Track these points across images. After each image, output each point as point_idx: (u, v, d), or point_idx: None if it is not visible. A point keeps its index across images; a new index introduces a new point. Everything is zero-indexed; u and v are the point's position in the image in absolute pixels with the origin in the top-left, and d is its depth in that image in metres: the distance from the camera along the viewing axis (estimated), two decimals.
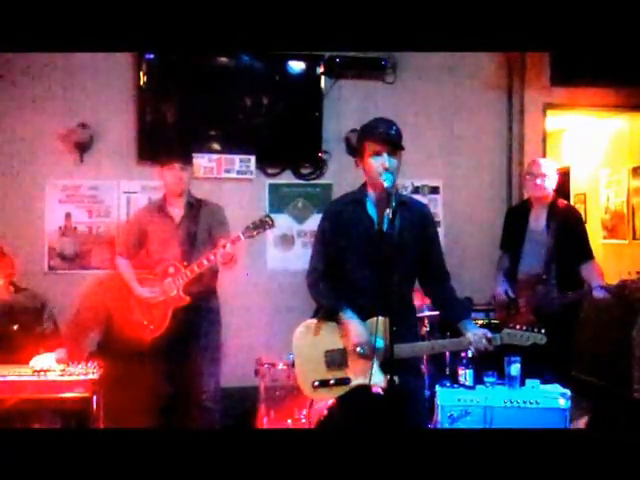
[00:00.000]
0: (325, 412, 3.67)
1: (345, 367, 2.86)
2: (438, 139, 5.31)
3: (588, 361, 5.36)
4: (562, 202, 4.43)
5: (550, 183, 4.31)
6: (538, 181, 4.28)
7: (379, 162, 2.80)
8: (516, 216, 4.51)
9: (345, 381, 2.85)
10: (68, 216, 4.90)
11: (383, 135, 2.82)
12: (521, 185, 5.35)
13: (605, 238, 6.39)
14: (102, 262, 4.89)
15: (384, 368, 2.70)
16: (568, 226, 4.28)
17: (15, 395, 3.36)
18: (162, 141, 4.76)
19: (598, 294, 4.05)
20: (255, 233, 3.76)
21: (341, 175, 5.07)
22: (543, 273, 4.23)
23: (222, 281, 4.17)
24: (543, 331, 2.89)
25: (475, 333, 2.84)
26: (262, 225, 3.76)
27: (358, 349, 2.78)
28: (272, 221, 3.79)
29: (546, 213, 4.32)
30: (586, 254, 4.28)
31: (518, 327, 2.91)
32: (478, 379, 4.03)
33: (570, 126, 6.95)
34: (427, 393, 4.01)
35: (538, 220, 4.35)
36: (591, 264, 4.26)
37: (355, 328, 2.81)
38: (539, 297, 4.22)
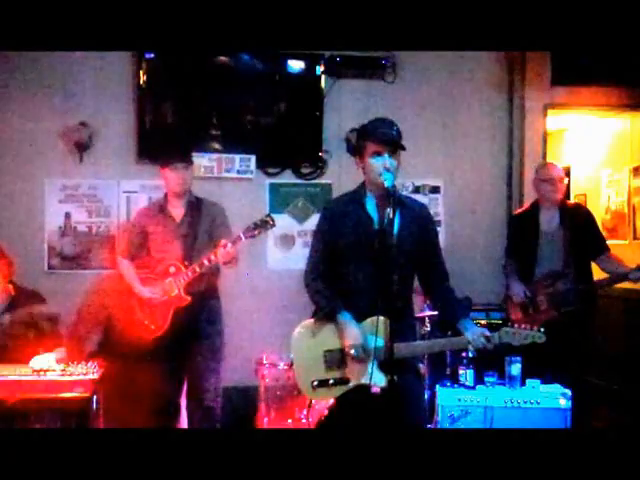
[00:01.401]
0: (325, 412, 3.67)
1: (344, 367, 2.86)
2: (438, 139, 5.31)
3: (600, 365, 5.36)
4: (570, 202, 4.60)
5: (564, 186, 4.47)
6: (559, 186, 4.39)
7: (380, 163, 2.80)
8: (524, 221, 4.57)
9: (344, 381, 2.85)
10: (68, 216, 4.89)
11: (384, 135, 2.83)
12: (521, 184, 5.36)
13: (606, 238, 6.38)
14: (102, 262, 4.89)
15: (383, 368, 2.70)
16: (582, 222, 4.42)
17: (15, 395, 3.36)
18: (162, 141, 4.76)
19: (637, 275, 4.13)
20: (256, 233, 3.75)
21: (341, 175, 5.07)
22: (563, 269, 4.31)
23: (222, 281, 4.17)
24: (542, 330, 2.89)
25: (474, 332, 2.84)
26: (263, 225, 3.76)
27: (352, 351, 2.79)
28: (273, 221, 3.78)
29: (558, 213, 4.42)
30: (603, 247, 4.42)
31: (517, 325, 2.91)
32: (478, 379, 4.03)
33: (571, 126, 6.94)
34: (427, 393, 4.02)
35: (550, 221, 4.44)
36: (610, 255, 4.40)
37: (350, 330, 2.82)
38: (562, 292, 4.27)
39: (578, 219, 4.42)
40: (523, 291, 4.40)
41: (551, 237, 4.41)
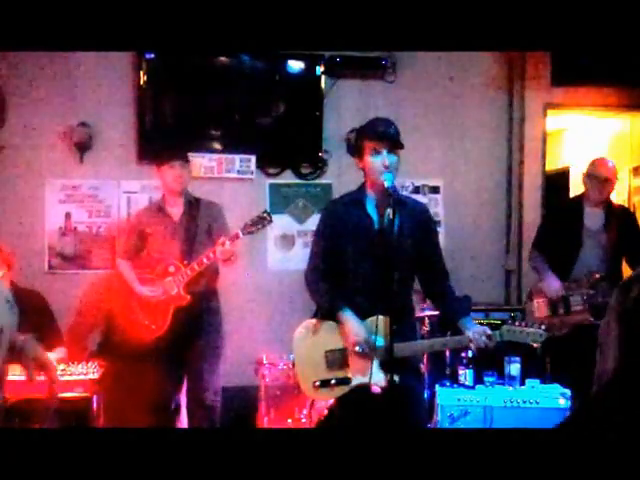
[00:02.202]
0: (325, 412, 3.67)
1: (345, 367, 2.86)
2: (438, 139, 5.31)
3: None
4: (615, 203, 4.41)
5: (613, 187, 4.32)
6: (605, 186, 4.24)
7: (379, 160, 2.81)
8: (566, 215, 4.38)
9: (346, 381, 2.85)
10: (68, 216, 4.90)
11: (382, 133, 2.84)
12: (521, 184, 5.37)
13: None
14: (102, 262, 4.89)
15: (384, 367, 2.70)
16: (628, 226, 4.27)
17: (15, 395, 3.36)
18: (162, 141, 4.76)
19: None
20: (254, 229, 3.76)
21: (341, 175, 5.07)
22: (606, 271, 4.15)
23: (222, 281, 4.18)
24: (543, 327, 2.88)
25: (475, 330, 2.84)
26: (260, 221, 3.77)
27: (357, 348, 2.79)
28: (270, 217, 3.79)
29: (603, 212, 4.27)
30: None
31: (517, 323, 2.91)
32: (478, 379, 4.03)
33: (570, 126, 6.94)
34: (427, 393, 4.02)
35: (595, 219, 4.28)
36: None
37: (353, 326, 2.82)
38: (604, 295, 4.03)
39: (624, 222, 4.26)
40: (560, 288, 4.18)
41: (594, 236, 4.23)
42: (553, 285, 4.21)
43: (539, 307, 4.29)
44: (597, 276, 4.14)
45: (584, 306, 4.12)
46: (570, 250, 4.25)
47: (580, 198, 4.41)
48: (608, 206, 4.31)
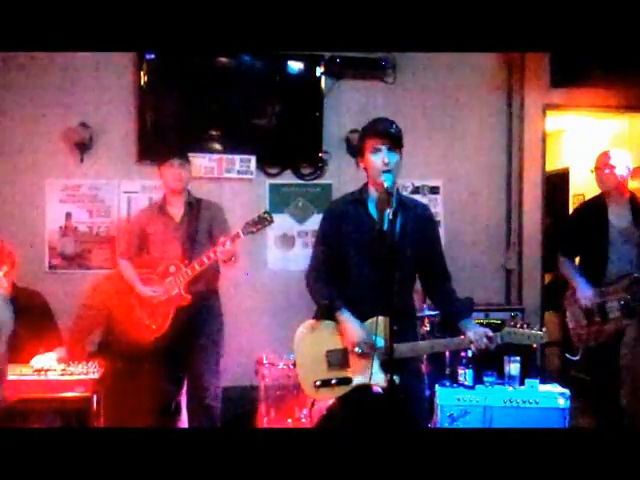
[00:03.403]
0: (324, 412, 3.67)
1: (346, 367, 2.87)
2: (438, 139, 5.32)
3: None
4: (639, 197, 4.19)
5: (621, 172, 4.04)
6: (599, 173, 4.07)
7: (379, 158, 2.81)
8: (590, 215, 4.15)
9: (346, 381, 2.85)
10: (69, 216, 4.90)
11: (382, 130, 2.85)
12: (520, 184, 5.39)
13: None
14: (103, 262, 4.90)
15: (384, 367, 2.71)
16: None
17: (15, 394, 3.37)
18: (162, 141, 4.77)
19: None
20: (254, 229, 3.76)
21: (341, 175, 5.08)
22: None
23: (223, 281, 4.18)
24: (544, 329, 2.88)
25: (476, 332, 2.84)
26: (261, 221, 3.76)
27: (356, 348, 2.79)
28: (271, 217, 3.79)
29: (629, 208, 4.07)
30: None
31: (519, 325, 2.91)
32: (478, 379, 4.03)
33: (570, 127, 6.96)
34: (427, 393, 4.02)
35: (621, 217, 4.06)
36: None
37: (352, 327, 2.82)
38: None
39: None
40: (594, 295, 3.96)
41: (623, 235, 4.02)
42: (586, 293, 3.99)
43: (574, 317, 4.06)
44: (633, 278, 3.90)
45: (622, 312, 3.91)
46: (599, 250, 4.01)
47: (602, 196, 4.19)
48: (632, 201, 4.09)
